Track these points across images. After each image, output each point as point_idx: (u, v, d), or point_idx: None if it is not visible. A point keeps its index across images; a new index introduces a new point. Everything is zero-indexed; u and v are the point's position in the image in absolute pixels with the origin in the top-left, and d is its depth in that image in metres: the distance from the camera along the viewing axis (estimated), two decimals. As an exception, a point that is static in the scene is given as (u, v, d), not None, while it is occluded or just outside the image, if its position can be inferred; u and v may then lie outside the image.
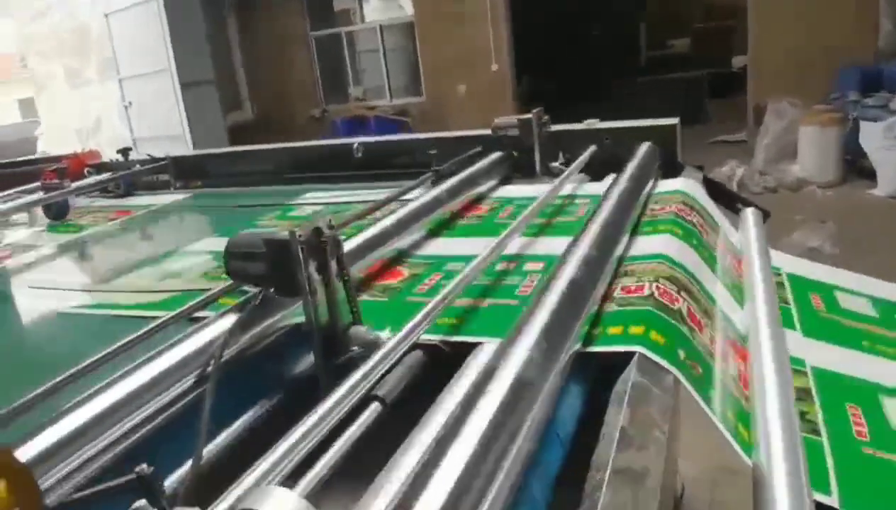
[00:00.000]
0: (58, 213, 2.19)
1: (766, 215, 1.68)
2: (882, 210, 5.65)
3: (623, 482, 0.60)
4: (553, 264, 1.08)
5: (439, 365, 0.87)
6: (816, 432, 0.90)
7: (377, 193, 1.85)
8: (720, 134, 8.66)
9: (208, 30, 10.18)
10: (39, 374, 0.78)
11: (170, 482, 0.70)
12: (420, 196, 1.49)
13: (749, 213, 1.63)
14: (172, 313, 0.93)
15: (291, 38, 11.60)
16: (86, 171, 2.60)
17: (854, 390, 1.01)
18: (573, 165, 1.68)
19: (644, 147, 1.74)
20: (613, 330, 0.87)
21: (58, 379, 0.75)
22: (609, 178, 1.71)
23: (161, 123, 9.83)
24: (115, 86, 10.52)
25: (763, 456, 0.76)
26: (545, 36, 12.14)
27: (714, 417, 0.79)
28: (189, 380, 0.78)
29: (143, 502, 0.53)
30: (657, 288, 0.98)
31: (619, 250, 1.11)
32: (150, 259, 1.62)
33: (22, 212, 2.18)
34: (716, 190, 1.75)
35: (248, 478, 0.56)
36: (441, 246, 1.37)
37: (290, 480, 0.60)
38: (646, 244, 1.21)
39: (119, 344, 0.83)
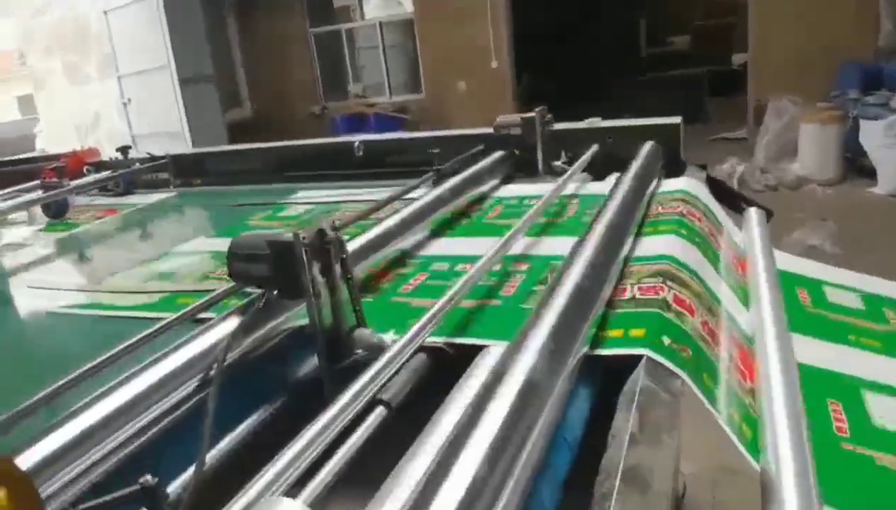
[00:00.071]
0: (57, 212, 2.18)
1: (769, 215, 1.67)
2: (882, 208, 5.64)
3: (633, 489, 0.59)
4: (541, 265, 1.07)
5: (443, 367, 0.86)
6: None
7: (372, 193, 1.85)
8: (720, 131, 8.65)
9: (207, 26, 10.15)
10: (31, 375, 0.77)
11: (173, 488, 0.69)
12: (423, 195, 1.48)
13: (753, 213, 1.62)
14: (175, 315, 0.92)
15: (291, 35, 11.57)
16: (85, 169, 2.59)
17: (836, 385, 1.00)
18: (576, 165, 1.67)
19: (647, 146, 1.73)
20: (620, 333, 0.86)
21: (59, 383, 0.74)
22: (611, 178, 1.70)
23: (160, 120, 9.81)
24: (114, 83, 10.49)
25: (771, 460, 0.75)
26: (545, 33, 12.12)
27: (722, 421, 0.78)
28: (192, 384, 0.77)
29: None
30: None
31: (624, 251, 1.10)
32: (138, 259, 1.61)
33: (21, 211, 2.17)
34: (719, 189, 1.74)
35: (255, 487, 0.55)
36: (430, 247, 1.37)
37: (296, 487, 0.59)
38: (650, 245, 1.20)
39: (121, 347, 0.82)
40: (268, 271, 0.86)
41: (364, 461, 0.67)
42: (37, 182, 2.26)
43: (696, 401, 0.78)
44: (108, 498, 0.55)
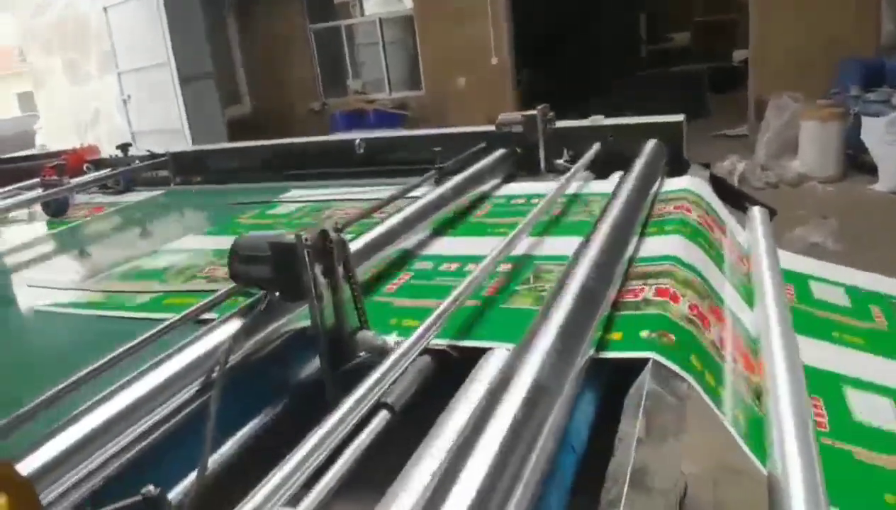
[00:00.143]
0: (57, 210, 2.17)
1: (772, 213, 1.66)
2: (883, 205, 5.63)
3: (641, 496, 0.59)
4: (525, 265, 1.06)
5: (446, 370, 0.85)
6: None
7: (369, 191, 1.84)
8: (721, 128, 8.63)
9: (207, 23, 10.13)
10: (21, 375, 0.77)
11: (175, 493, 0.68)
12: (426, 194, 1.47)
13: (756, 212, 1.61)
14: (177, 316, 0.91)
15: (291, 31, 11.55)
16: (85, 167, 2.58)
17: (818, 381, 1.00)
18: (578, 163, 1.66)
19: (650, 144, 1.72)
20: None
21: (60, 386, 0.73)
22: (614, 176, 1.69)
23: (160, 117, 9.79)
24: (113, 80, 10.48)
25: (778, 463, 0.75)
26: (545, 30, 12.09)
27: (728, 424, 0.77)
28: (194, 388, 0.76)
29: None
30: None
31: (629, 252, 1.09)
32: (126, 257, 1.61)
33: (20, 209, 2.16)
34: (722, 188, 1.73)
35: (259, 494, 0.54)
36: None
37: (300, 492, 0.59)
38: (655, 245, 1.19)
39: (122, 349, 0.81)
40: (269, 273, 0.85)
41: (367, 464, 0.66)
42: (37, 180, 2.25)
43: (701, 402, 0.78)
44: (109, 509, 0.54)
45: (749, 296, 1.21)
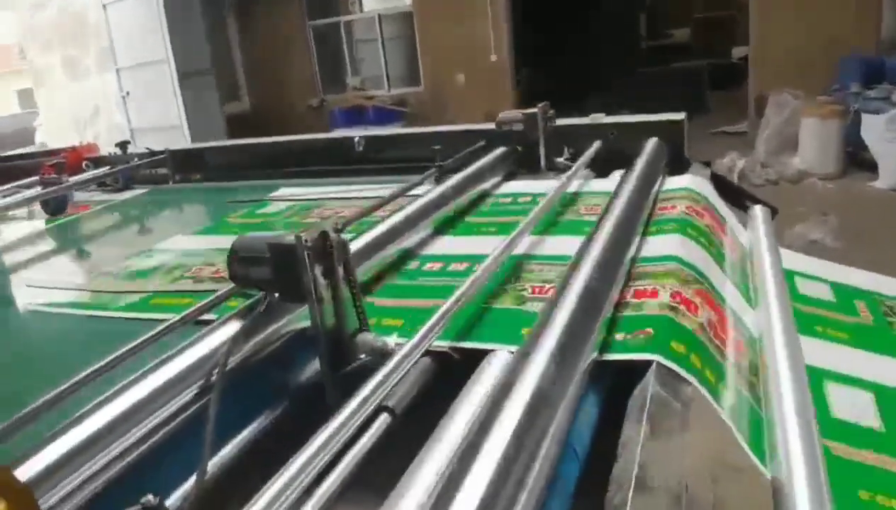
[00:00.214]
0: (56, 209, 2.17)
1: (774, 212, 1.65)
2: (883, 203, 5.62)
3: (646, 501, 0.58)
4: (508, 263, 1.05)
5: (446, 371, 0.85)
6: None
7: (367, 189, 1.84)
8: (720, 125, 8.63)
9: (206, 20, 10.12)
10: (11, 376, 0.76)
11: (174, 498, 0.68)
12: (427, 192, 1.46)
13: (758, 211, 1.61)
14: (176, 317, 0.91)
15: (290, 28, 11.53)
16: (84, 164, 2.57)
17: None
18: (579, 161, 1.65)
19: (651, 143, 1.71)
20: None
21: (59, 390, 0.72)
22: (615, 175, 1.69)
23: (159, 114, 9.79)
24: (112, 76, 10.47)
25: (783, 466, 0.74)
26: (544, 27, 12.07)
27: (732, 427, 0.77)
28: (193, 390, 0.75)
29: None
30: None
31: (631, 252, 1.09)
32: (114, 257, 1.60)
33: (21, 207, 2.15)
34: (723, 186, 1.72)
35: (260, 501, 0.53)
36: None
37: (300, 498, 0.58)
38: (656, 245, 1.18)
39: (122, 351, 0.80)
40: (269, 274, 0.84)
41: (367, 467, 0.66)
42: (36, 178, 2.25)
43: (704, 404, 0.77)
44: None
45: (751, 297, 1.20)
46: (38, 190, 2.16)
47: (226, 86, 11.10)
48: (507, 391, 0.63)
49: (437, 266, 1.22)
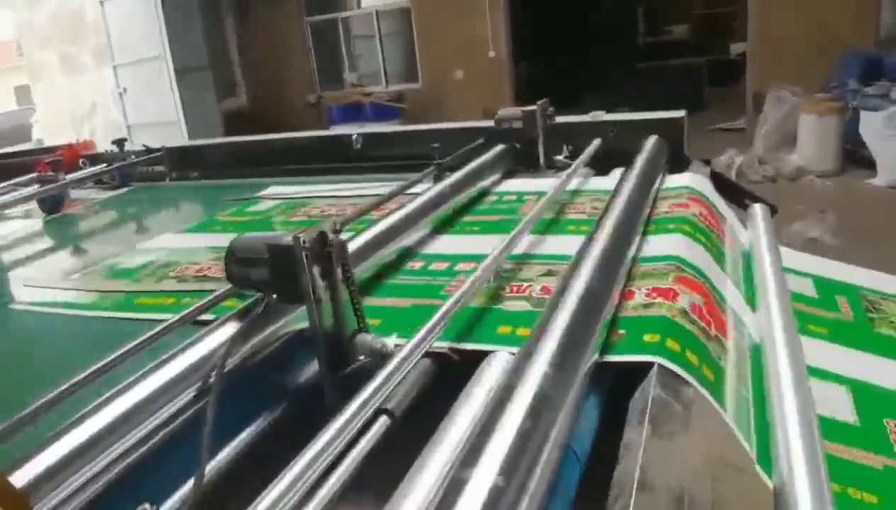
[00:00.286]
0: (53, 207, 2.16)
1: (773, 210, 1.65)
2: (881, 200, 5.63)
3: (647, 505, 0.57)
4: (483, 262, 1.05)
5: (445, 372, 0.84)
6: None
7: (356, 188, 1.83)
8: (718, 122, 8.63)
9: (203, 16, 10.10)
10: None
11: (172, 502, 0.67)
12: (425, 191, 1.46)
13: (757, 209, 1.60)
14: (175, 318, 0.90)
15: (287, 24, 11.51)
16: (81, 162, 2.56)
17: None
18: (579, 159, 1.64)
19: (651, 141, 1.70)
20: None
21: (53, 393, 0.72)
22: (615, 173, 1.68)
23: (156, 110, 9.78)
24: (109, 72, 10.45)
25: (784, 470, 0.74)
26: (543, 23, 12.06)
27: (735, 429, 0.76)
28: (191, 393, 0.75)
29: None
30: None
31: (632, 251, 1.08)
32: (102, 255, 1.60)
33: (17, 206, 2.14)
34: (723, 184, 1.72)
35: (260, 507, 0.53)
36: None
37: (301, 502, 0.57)
38: (657, 245, 1.18)
39: (117, 354, 0.79)
40: (267, 275, 0.83)
41: (366, 470, 0.65)
42: (33, 175, 2.24)
43: (706, 406, 0.77)
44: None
45: (751, 296, 1.20)
46: (35, 188, 2.15)
47: (223, 82, 11.09)
48: (508, 394, 0.62)
49: (417, 265, 1.21)
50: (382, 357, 0.82)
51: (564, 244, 1.19)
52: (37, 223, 2.11)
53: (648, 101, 1.99)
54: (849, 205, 5.44)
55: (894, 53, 6.65)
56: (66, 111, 11.51)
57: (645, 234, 1.23)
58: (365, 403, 0.66)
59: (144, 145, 2.59)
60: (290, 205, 1.81)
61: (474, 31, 9.84)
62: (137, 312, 1.16)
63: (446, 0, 10.00)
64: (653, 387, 0.72)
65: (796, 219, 4.80)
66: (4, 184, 2.25)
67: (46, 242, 2.01)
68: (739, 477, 0.75)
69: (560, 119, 1.93)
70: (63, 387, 0.73)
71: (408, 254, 1.26)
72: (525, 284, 1.04)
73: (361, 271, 1.09)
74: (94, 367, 0.76)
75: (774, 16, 7.71)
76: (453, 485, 0.52)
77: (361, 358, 0.84)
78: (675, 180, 1.59)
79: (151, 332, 0.86)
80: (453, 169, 1.66)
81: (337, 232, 0.84)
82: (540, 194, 1.42)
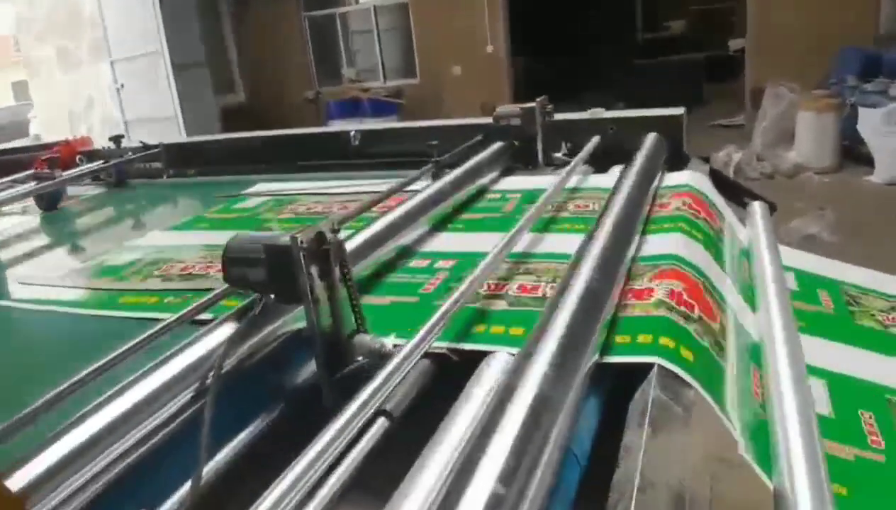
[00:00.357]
0: (50, 204, 2.15)
1: (772, 208, 1.64)
2: (880, 197, 5.63)
3: (648, 506, 0.57)
4: (465, 262, 1.04)
5: (444, 373, 0.84)
6: None
7: (361, 185, 1.83)
8: (716, 118, 8.62)
9: (200, 11, 10.08)
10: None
11: (169, 505, 0.67)
12: (424, 188, 1.45)
13: (757, 207, 1.60)
14: (171, 318, 0.89)
15: (285, 19, 11.48)
16: (77, 159, 2.55)
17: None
18: (578, 157, 1.64)
19: (650, 138, 1.70)
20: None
21: (51, 394, 0.71)
22: (614, 170, 1.67)
23: (153, 106, 9.76)
24: (107, 68, 10.42)
25: (784, 470, 0.74)
26: (541, 18, 12.04)
27: (736, 433, 0.76)
28: (188, 394, 0.74)
29: None
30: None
31: (632, 250, 1.08)
32: (85, 254, 1.59)
33: (14, 202, 2.14)
34: (722, 182, 1.72)
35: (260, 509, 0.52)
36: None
37: (300, 504, 0.57)
38: (656, 244, 1.17)
39: (112, 355, 0.79)
40: (264, 275, 0.83)
41: (364, 471, 0.65)
42: (30, 172, 2.23)
43: (706, 407, 0.76)
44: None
45: (750, 295, 1.19)
46: (31, 185, 2.14)
47: (220, 78, 11.06)
48: (508, 394, 0.62)
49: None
50: (381, 357, 0.81)
51: (564, 243, 1.19)
52: (33, 220, 2.11)
53: (647, 98, 1.98)
54: (847, 201, 5.44)
55: (893, 50, 6.65)
56: (64, 106, 11.48)
57: (644, 232, 1.23)
58: (364, 404, 0.66)
59: (141, 142, 2.58)
60: (277, 202, 1.80)
61: (472, 25, 9.82)
62: (122, 311, 1.16)
63: (444, -4, 9.99)
64: (653, 388, 0.72)
65: (795, 216, 4.80)
66: (1, 181, 2.24)
67: (42, 239, 2.00)
68: (739, 477, 0.75)
69: (559, 116, 1.92)
70: (61, 388, 0.72)
71: (406, 252, 1.26)
72: (501, 282, 1.04)
73: (360, 269, 1.08)
74: (92, 367, 0.76)
75: (773, 11, 7.71)
76: (454, 487, 0.52)
77: (360, 358, 0.84)
78: (674, 178, 1.58)
79: (149, 332, 0.85)
80: (452, 166, 1.66)
81: (335, 231, 0.84)
82: (538, 192, 1.41)
